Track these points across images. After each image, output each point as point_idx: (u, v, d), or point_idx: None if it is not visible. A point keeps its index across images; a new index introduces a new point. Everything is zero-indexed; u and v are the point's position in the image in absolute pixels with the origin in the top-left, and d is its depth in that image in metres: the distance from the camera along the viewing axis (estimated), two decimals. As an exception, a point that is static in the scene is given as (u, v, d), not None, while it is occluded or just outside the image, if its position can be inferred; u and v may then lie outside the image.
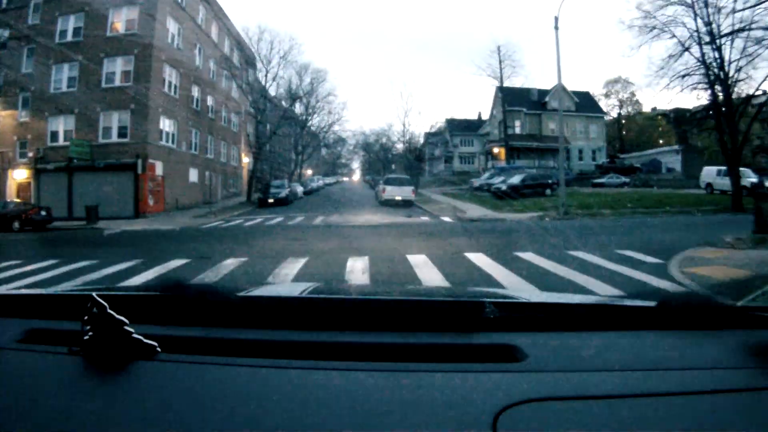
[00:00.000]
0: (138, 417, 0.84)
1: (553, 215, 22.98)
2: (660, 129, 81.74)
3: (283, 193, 32.73)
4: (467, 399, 0.87)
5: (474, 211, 25.66)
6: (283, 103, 41.82)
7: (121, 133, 29.00)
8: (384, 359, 1.03)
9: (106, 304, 0.98)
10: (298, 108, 51.46)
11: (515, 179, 34.11)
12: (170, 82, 31.48)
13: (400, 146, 79.92)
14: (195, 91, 35.03)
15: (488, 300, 1.23)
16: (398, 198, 29.05)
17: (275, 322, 1.20)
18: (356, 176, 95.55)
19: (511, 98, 60.23)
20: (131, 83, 29.00)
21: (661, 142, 78.11)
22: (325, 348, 1.08)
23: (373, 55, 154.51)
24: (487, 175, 47.12)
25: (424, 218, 22.79)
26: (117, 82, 29.37)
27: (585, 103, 66.45)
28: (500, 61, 59.46)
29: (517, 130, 61.49)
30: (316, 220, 21.87)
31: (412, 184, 30.23)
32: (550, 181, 34.95)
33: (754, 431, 0.82)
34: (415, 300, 1.46)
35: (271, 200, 31.86)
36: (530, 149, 60.38)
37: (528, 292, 2.00)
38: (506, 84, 60.38)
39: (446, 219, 22.50)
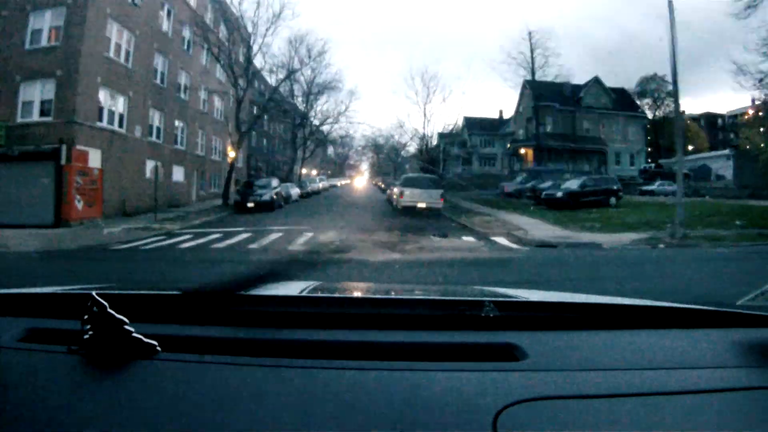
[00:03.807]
0: (138, 416, 0.82)
1: (666, 239, 14.54)
2: (689, 133, 73.61)
3: (267, 195, 24.23)
4: (467, 398, 0.86)
5: (534, 227, 17.13)
6: (273, 79, 33.37)
7: (45, 109, 20.64)
8: (384, 358, 1.00)
9: (106, 303, 0.96)
10: (298, 93, 43.10)
11: (572, 184, 25.65)
12: (119, 46, 23.08)
13: (412, 148, 71.90)
14: (159, 62, 26.62)
15: (488, 299, 1.20)
16: (422, 205, 20.57)
17: (275, 321, 1.17)
18: (365, 178, 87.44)
19: (540, 93, 51.55)
20: (60, 42, 20.73)
21: (690, 148, 70.18)
22: (325, 347, 1.06)
23: (383, 55, 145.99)
24: (519, 178, 38.98)
25: (469, 239, 14.27)
26: (44, 42, 21.10)
27: (622, 101, 57.80)
28: (531, 50, 50.98)
29: (548, 129, 52.92)
30: (296, 241, 13.32)
31: (440, 187, 21.71)
32: (614, 188, 26.44)
33: (754, 430, 0.81)
34: (414, 299, 1.41)
35: (250, 204, 23.43)
36: (563, 150, 51.79)
37: (528, 291, 1.65)
38: (537, 77, 51.85)
39: (504, 242, 14.01)
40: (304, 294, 1.40)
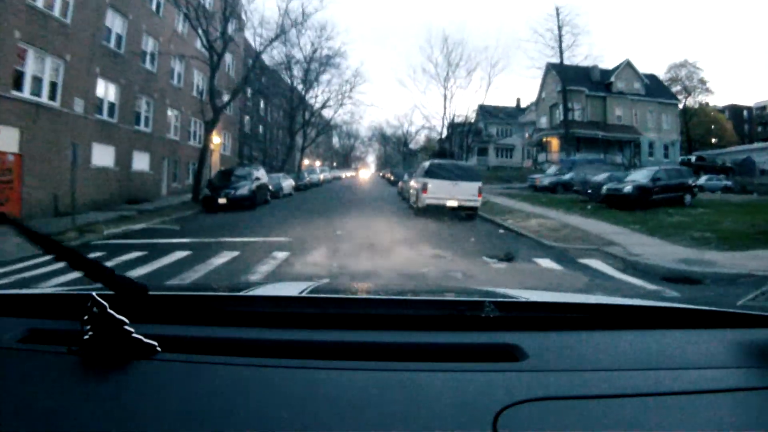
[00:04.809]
0: (138, 417, 0.81)
1: None
2: (713, 126, 67.84)
3: (245, 188, 18.30)
4: (467, 399, 0.85)
5: (626, 239, 11.28)
6: (257, 40, 27.35)
7: (-61, 72, 14.96)
8: (384, 359, 0.99)
9: (106, 303, 0.94)
10: (297, 73, 37.19)
11: (639, 177, 19.76)
12: (51, -9, 17.27)
13: (422, 137, 65.98)
14: (115, 22, 20.76)
15: (488, 299, 1.18)
16: (452, 204, 14.69)
17: (275, 321, 1.15)
18: (371, 170, 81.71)
19: (567, 77, 45.32)
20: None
21: (713, 141, 64.41)
22: (325, 347, 1.04)
23: (391, 40, 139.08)
24: (552, 170, 33.34)
25: (549, 265, 8.37)
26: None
27: (654, 87, 51.52)
28: (559, 27, 44.77)
29: (576, 116, 46.68)
30: (250, 277, 7.44)
31: (479, 179, 15.74)
32: (689, 182, 20.51)
33: (754, 431, 0.80)
34: (415, 299, 1.37)
35: (222, 200, 17.57)
36: (594, 140, 45.62)
37: (528, 292, 1.57)
38: (565, 59, 45.55)
39: (608, 270, 8.21)
40: (304, 294, 1.37)
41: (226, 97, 25.90)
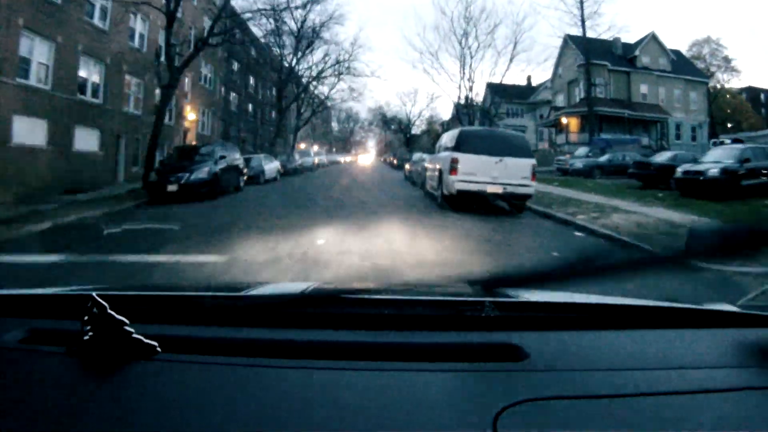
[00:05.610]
0: (138, 417, 0.81)
1: None
2: (728, 110, 63.18)
3: (204, 171, 13.65)
4: (467, 399, 0.85)
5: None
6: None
7: None
8: (384, 359, 0.97)
9: (106, 303, 0.92)
10: (288, 41, 32.52)
11: (720, 157, 15.20)
12: None
13: (424, 118, 61.92)
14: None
15: (488, 299, 1.16)
16: (495, 190, 10.13)
17: (275, 321, 1.13)
18: (371, 155, 77.22)
19: (587, 51, 40.35)
20: None
21: (729, 125, 59.80)
22: (325, 347, 1.03)
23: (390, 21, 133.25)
24: (584, 151, 28.88)
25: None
26: None
27: (681, 64, 46.65)
28: (581, -7, 39.68)
29: (598, 93, 41.75)
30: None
31: (532, 154, 11.18)
32: (783, 166, 15.88)
33: (754, 430, 0.79)
34: (415, 299, 1.30)
35: (172, 187, 12.96)
36: (618, 119, 40.83)
37: (529, 291, 1.46)
38: (586, 32, 40.53)
39: None
40: (304, 294, 1.34)
41: (205, 69, 21.20)
